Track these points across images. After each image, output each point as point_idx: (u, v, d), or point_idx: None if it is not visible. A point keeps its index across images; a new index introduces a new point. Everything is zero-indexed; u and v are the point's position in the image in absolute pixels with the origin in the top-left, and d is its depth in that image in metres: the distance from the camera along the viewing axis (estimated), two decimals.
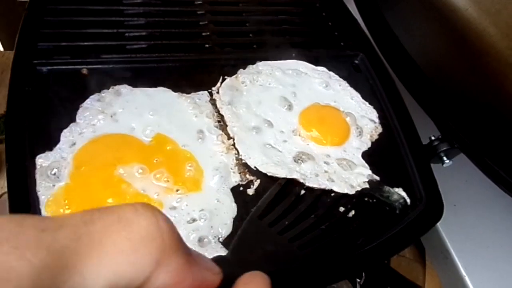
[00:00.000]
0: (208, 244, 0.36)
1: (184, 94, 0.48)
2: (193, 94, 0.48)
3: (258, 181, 0.42)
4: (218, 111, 0.48)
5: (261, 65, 0.54)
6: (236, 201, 0.40)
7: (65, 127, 0.41)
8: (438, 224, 0.47)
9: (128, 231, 0.18)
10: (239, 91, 0.50)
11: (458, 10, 0.51)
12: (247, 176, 0.43)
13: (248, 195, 0.41)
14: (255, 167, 0.43)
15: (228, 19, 0.60)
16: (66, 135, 0.41)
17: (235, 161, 0.43)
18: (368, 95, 0.54)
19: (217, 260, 0.23)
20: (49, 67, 0.46)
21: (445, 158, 0.49)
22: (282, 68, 0.54)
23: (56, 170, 0.38)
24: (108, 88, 0.46)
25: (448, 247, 0.54)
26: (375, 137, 0.50)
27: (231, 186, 0.41)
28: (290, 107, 0.50)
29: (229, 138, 0.45)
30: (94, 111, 0.43)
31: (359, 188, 0.43)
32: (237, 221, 0.39)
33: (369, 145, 0.49)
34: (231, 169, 0.43)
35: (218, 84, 0.50)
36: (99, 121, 0.42)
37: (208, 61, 0.53)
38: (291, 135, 0.47)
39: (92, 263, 0.17)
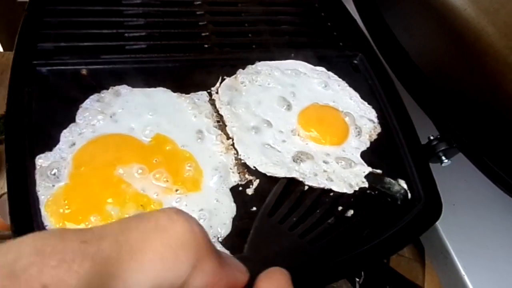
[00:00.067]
0: None
1: (184, 94, 0.48)
2: (192, 94, 0.48)
3: (257, 181, 0.43)
4: (217, 111, 0.48)
5: (260, 65, 0.54)
6: (235, 201, 0.40)
7: (65, 128, 0.41)
8: (437, 223, 0.47)
9: (166, 238, 0.19)
10: (238, 91, 0.50)
11: (457, 9, 0.51)
12: (246, 176, 0.43)
13: (247, 195, 0.41)
14: (254, 167, 0.43)
15: (227, 19, 0.60)
16: (66, 136, 0.41)
17: (234, 161, 0.44)
18: (367, 95, 0.54)
19: (237, 259, 0.24)
20: (48, 68, 0.46)
21: (443, 158, 0.49)
22: (281, 68, 0.54)
23: (55, 170, 0.38)
24: (108, 89, 0.46)
25: (448, 247, 0.54)
26: (374, 137, 0.50)
27: (230, 186, 0.42)
28: (289, 107, 0.50)
29: (228, 138, 0.45)
30: (93, 111, 0.43)
31: (357, 188, 0.44)
32: (236, 221, 0.39)
33: (368, 145, 0.49)
34: (230, 169, 0.43)
35: (217, 84, 0.50)
36: (99, 122, 0.42)
37: (207, 61, 0.53)
38: (290, 135, 0.48)
39: (135, 271, 0.18)
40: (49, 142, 0.40)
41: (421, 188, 0.46)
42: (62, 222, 0.35)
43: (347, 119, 0.50)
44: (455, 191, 0.59)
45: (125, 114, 0.44)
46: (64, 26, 0.51)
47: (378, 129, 0.51)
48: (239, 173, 0.43)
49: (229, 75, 0.51)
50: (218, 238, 0.37)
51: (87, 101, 0.44)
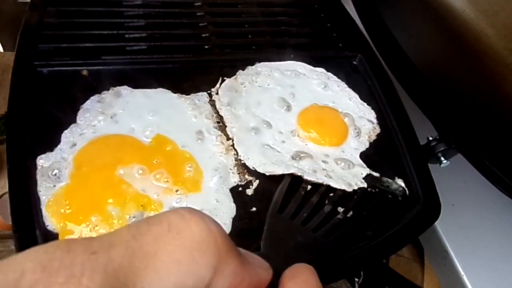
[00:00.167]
0: None
1: (184, 95, 0.48)
2: (192, 95, 0.49)
3: (257, 181, 0.43)
4: (217, 112, 0.48)
5: (260, 66, 0.54)
6: (235, 201, 0.41)
7: (66, 128, 0.42)
8: (436, 223, 0.47)
9: (181, 240, 0.17)
10: (238, 92, 0.50)
11: (456, 11, 0.52)
12: (246, 176, 0.43)
13: (247, 195, 0.42)
14: (253, 167, 0.43)
15: (227, 21, 0.60)
16: (67, 136, 0.41)
17: (234, 161, 0.44)
18: (366, 96, 0.55)
19: None
20: (49, 68, 0.46)
21: (442, 159, 0.50)
22: (281, 69, 0.55)
23: (56, 171, 0.38)
24: (108, 89, 0.46)
25: (447, 247, 0.55)
26: (373, 137, 0.50)
27: (230, 186, 0.42)
28: (288, 108, 0.50)
29: (228, 138, 0.46)
30: (94, 112, 0.43)
31: (356, 187, 0.44)
32: (236, 221, 0.39)
33: (367, 145, 0.49)
34: (230, 169, 0.43)
35: (218, 85, 0.51)
36: (100, 122, 0.43)
37: (208, 62, 0.53)
38: (290, 135, 0.48)
39: (151, 278, 0.16)
40: (50, 143, 0.40)
41: (420, 188, 0.46)
42: (63, 222, 0.35)
43: (346, 120, 0.50)
44: (454, 191, 0.59)
45: (125, 115, 0.44)
46: (65, 27, 0.51)
47: (377, 130, 0.51)
48: (239, 173, 0.43)
49: (229, 76, 0.52)
50: None
51: (88, 102, 0.44)
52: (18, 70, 0.44)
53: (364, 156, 0.48)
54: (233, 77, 0.52)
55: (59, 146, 0.40)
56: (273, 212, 0.39)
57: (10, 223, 0.35)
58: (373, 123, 0.52)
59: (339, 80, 0.56)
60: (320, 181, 0.43)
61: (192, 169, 0.41)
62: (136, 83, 0.47)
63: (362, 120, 0.51)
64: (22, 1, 0.83)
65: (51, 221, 0.35)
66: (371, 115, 0.53)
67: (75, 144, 0.40)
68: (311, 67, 0.56)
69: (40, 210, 0.36)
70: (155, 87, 0.48)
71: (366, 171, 0.46)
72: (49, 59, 0.47)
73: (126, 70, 0.49)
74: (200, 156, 0.43)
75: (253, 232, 0.38)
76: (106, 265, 0.16)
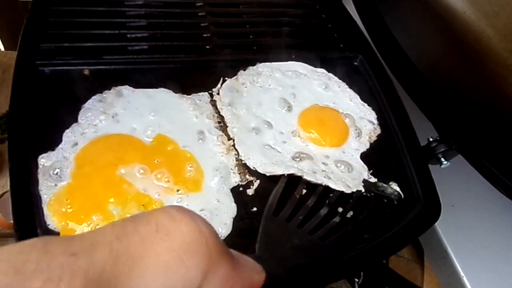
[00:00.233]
0: None
1: (185, 95, 0.48)
2: (193, 95, 0.49)
3: (258, 181, 0.43)
4: (218, 112, 0.48)
5: (261, 67, 0.54)
6: (236, 201, 0.41)
7: (67, 127, 0.42)
8: (436, 224, 0.47)
9: (170, 241, 0.16)
10: (239, 92, 0.50)
11: (456, 12, 0.52)
12: (247, 176, 0.43)
13: (248, 195, 0.42)
14: (254, 167, 0.43)
15: (228, 21, 0.61)
16: (68, 135, 0.41)
17: (235, 161, 0.44)
18: (367, 97, 0.55)
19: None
20: (51, 68, 0.46)
21: (443, 159, 0.50)
22: (282, 69, 0.55)
23: (58, 170, 0.38)
24: (110, 89, 0.46)
25: (447, 248, 0.55)
26: (374, 138, 0.51)
27: (231, 186, 0.42)
28: (289, 108, 0.50)
29: (229, 139, 0.46)
30: (95, 111, 0.43)
31: (354, 189, 0.44)
32: (236, 221, 0.39)
33: (368, 146, 0.49)
34: (231, 169, 0.43)
35: (219, 85, 0.51)
36: (101, 122, 0.43)
37: (209, 62, 0.53)
38: (291, 136, 0.48)
39: (136, 284, 0.15)
40: (52, 142, 0.40)
41: (420, 189, 0.46)
42: (65, 221, 0.35)
43: (347, 120, 0.51)
44: (454, 192, 0.59)
45: (127, 114, 0.44)
46: (67, 27, 0.51)
47: (378, 131, 0.51)
48: (239, 173, 0.43)
49: (230, 76, 0.52)
50: None
51: (90, 101, 0.44)
52: (20, 69, 0.45)
53: (365, 156, 0.48)
54: (234, 77, 0.52)
55: (60, 145, 0.40)
56: (268, 214, 0.39)
57: (11, 221, 0.35)
58: (373, 123, 0.52)
59: (340, 80, 0.56)
60: (319, 182, 0.43)
61: (193, 169, 0.41)
62: (138, 83, 0.48)
63: (363, 121, 0.52)
64: (24, 0, 0.83)
65: (52, 220, 0.35)
66: (372, 115, 0.53)
67: (76, 144, 0.41)
68: (312, 67, 0.56)
69: (42, 209, 0.36)
70: (157, 87, 0.48)
71: (365, 176, 0.46)
72: (51, 59, 0.47)
73: (128, 69, 0.49)
74: (201, 156, 0.43)
75: (254, 232, 0.38)
76: (87, 268, 0.14)
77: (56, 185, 0.37)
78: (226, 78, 0.51)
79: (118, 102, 0.45)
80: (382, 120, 0.53)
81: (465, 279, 0.52)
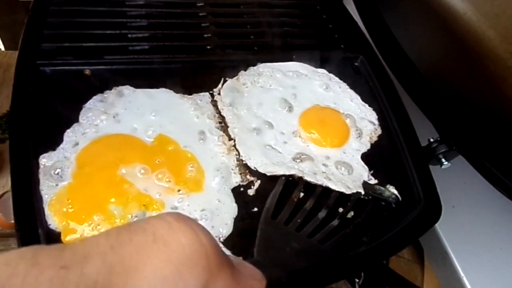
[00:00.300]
0: None
1: (186, 95, 0.48)
2: (194, 95, 0.49)
3: (259, 181, 0.43)
4: (219, 112, 0.48)
5: (262, 67, 0.54)
6: (236, 202, 0.41)
7: (68, 127, 0.42)
8: (436, 225, 0.47)
9: (168, 253, 0.15)
10: (240, 93, 0.50)
11: (457, 13, 0.52)
12: (248, 177, 0.43)
13: (249, 195, 0.42)
14: (255, 168, 0.43)
15: (229, 21, 0.61)
16: (69, 135, 0.41)
17: (236, 162, 0.44)
18: (368, 97, 0.55)
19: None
20: (52, 68, 0.46)
21: (443, 160, 0.50)
22: (283, 70, 0.55)
23: (59, 170, 0.38)
24: (111, 89, 0.46)
25: (447, 248, 0.55)
26: (375, 139, 0.51)
27: (232, 186, 0.42)
28: (290, 108, 0.50)
29: (230, 139, 0.46)
30: (96, 111, 0.43)
31: (354, 191, 0.44)
32: (237, 221, 0.39)
33: (369, 146, 0.49)
34: (232, 170, 0.43)
35: (220, 85, 0.51)
36: (102, 122, 0.43)
37: (210, 63, 0.53)
38: (291, 136, 0.48)
39: None
40: (53, 142, 0.40)
41: (421, 190, 0.46)
42: (66, 221, 0.35)
43: (348, 121, 0.51)
44: (455, 193, 0.59)
45: (128, 114, 0.44)
46: (68, 27, 0.51)
47: (379, 131, 0.51)
48: (240, 174, 0.43)
49: (231, 77, 0.52)
50: (219, 238, 0.38)
51: (90, 101, 0.44)
52: (21, 69, 0.45)
53: (365, 157, 0.48)
54: (235, 77, 0.52)
55: (61, 145, 0.40)
56: (266, 218, 0.39)
57: (12, 221, 0.35)
58: (374, 124, 0.52)
59: (340, 81, 0.56)
60: (320, 183, 0.43)
61: (194, 169, 0.41)
62: (139, 83, 0.48)
63: (364, 121, 0.52)
64: (24, 0, 0.83)
65: (53, 220, 0.35)
66: (373, 116, 0.53)
67: (77, 144, 0.41)
68: (313, 68, 0.57)
69: (43, 209, 0.36)
70: (157, 87, 0.48)
71: (366, 173, 0.46)
72: (51, 59, 0.47)
73: (129, 69, 0.49)
74: (202, 156, 0.43)
75: (255, 232, 0.38)
76: (78, 282, 0.13)
77: (57, 185, 0.37)
78: (227, 79, 0.51)
79: (119, 102, 0.45)
80: (383, 120, 0.53)
81: (465, 279, 0.52)
